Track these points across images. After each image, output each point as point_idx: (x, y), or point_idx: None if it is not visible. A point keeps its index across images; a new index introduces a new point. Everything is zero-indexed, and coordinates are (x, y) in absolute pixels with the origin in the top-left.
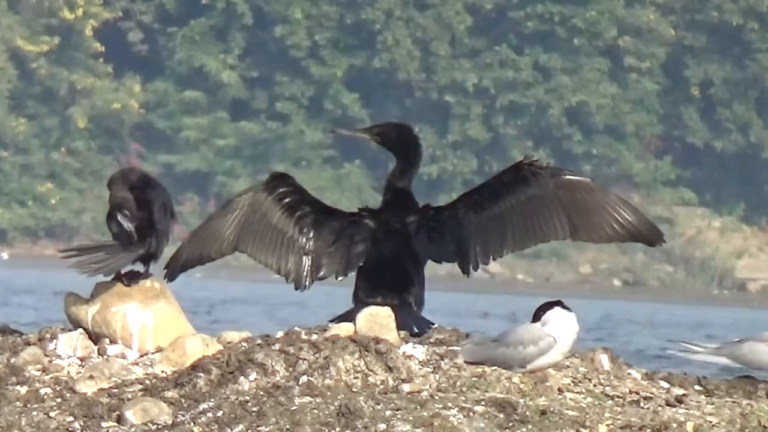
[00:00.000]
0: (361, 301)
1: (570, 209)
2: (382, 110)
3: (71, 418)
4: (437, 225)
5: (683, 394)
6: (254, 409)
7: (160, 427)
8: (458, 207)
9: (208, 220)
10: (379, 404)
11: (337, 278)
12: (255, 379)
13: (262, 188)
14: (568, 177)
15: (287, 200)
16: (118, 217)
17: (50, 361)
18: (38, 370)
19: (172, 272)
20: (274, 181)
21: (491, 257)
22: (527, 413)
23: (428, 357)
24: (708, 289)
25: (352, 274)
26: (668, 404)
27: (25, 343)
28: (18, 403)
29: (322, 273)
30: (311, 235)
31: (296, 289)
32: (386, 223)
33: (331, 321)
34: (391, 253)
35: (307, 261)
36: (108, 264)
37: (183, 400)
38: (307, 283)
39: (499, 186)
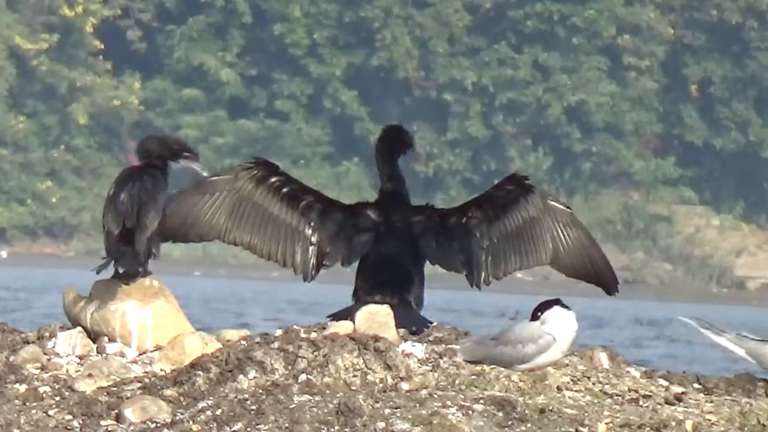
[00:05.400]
0: (360, 299)
1: (554, 235)
2: (380, 108)
3: (70, 417)
4: (445, 230)
5: (682, 393)
6: (253, 407)
7: (159, 425)
8: (467, 216)
9: (179, 196)
10: (378, 402)
11: (343, 265)
12: (254, 377)
13: (247, 176)
14: (552, 203)
15: (286, 190)
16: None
17: (49, 360)
18: (37, 369)
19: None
20: (260, 169)
21: (502, 273)
22: (526, 411)
23: (427, 355)
24: (707, 287)
25: (355, 268)
26: (667, 402)
27: (24, 341)
28: (17, 401)
29: (326, 262)
30: (318, 226)
31: (304, 280)
32: (388, 219)
33: (330, 317)
34: (392, 252)
35: (313, 252)
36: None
37: (182, 399)
38: (313, 274)
39: (506, 201)
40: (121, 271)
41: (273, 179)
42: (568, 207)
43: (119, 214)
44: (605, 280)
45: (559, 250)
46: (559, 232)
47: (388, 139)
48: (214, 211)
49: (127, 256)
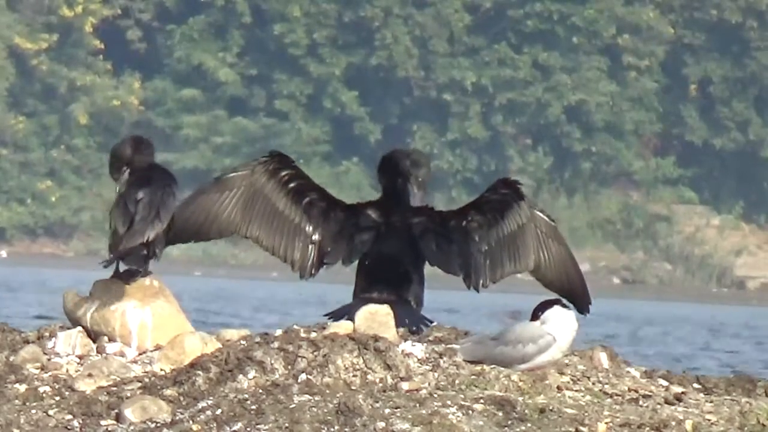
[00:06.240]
0: (359, 296)
1: (537, 244)
2: (380, 108)
3: (70, 416)
4: (445, 233)
5: (682, 392)
6: (253, 407)
7: (159, 425)
8: (466, 220)
9: (199, 195)
10: (377, 402)
11: (344, 264)
12: (254, 377)
13: (263, 169)
14: (538, 213)
15: (293, 185)
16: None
17: (49, 360)
18: (37, 369)
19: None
20: (274, 163)
21: (498, 277)
22: (526, 411)
23: (427, 355)
24: (707, 287)
25: (355, 267)
26: (667, 402)
27: (24, 341)
28: (17, 401)
29: (327, 260)
30: (318, 223)
31: (301, 277)
32: (389, 219)
33: (327, 315)
34: (392, 251)
35: (313, 249)
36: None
37: (182, 398)
38: (312, 272)
39: (502, 206)
40: (128, 268)
41: (283, 173)
42: (552, 220)
43: (128, 214)
44: (579, 298)
45: (541, 259)
46: (542, 242)
47: (390, 163)
48: (233, 207)
49: (134, 255)
